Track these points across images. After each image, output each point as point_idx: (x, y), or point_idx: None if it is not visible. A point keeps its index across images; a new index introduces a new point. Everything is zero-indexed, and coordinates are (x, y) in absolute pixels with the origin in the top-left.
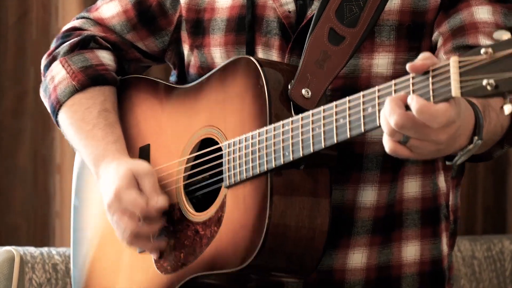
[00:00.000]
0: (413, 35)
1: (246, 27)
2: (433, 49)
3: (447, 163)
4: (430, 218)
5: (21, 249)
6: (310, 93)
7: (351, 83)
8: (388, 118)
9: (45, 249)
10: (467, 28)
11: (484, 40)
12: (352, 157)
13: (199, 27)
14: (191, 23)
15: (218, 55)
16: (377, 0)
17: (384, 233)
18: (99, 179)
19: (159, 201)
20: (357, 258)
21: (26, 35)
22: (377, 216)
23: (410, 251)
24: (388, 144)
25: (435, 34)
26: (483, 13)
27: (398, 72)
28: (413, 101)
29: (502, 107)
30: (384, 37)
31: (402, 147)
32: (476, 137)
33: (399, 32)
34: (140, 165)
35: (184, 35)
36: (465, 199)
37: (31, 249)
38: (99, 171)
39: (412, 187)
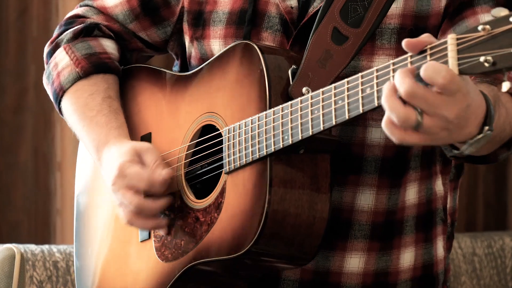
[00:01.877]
0: None
1: (246, 21)
2: None
3: (455, 152)
4: (423, 223)
5: (21, 247)
6: (310, 92)
7: None
8: (398, 87)
9: (45, 247)
10: None
11: None
12: (351, 159)
13: (200, 18)
14: (193, 15)
15: (217, 48)
16: (382, 1)
17: (383, 239)
18: (101, 164)
19: (163, 173)
20: (354, 262)
21: (26, 32)
22: (375, 221)
23: (407, 257)
24: (396, 135)
25: None
26: None
27: None
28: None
29: (500, 84)
30: (385, 40)
31: (408, 132)
32: (486, 127)
33: (400, 36)
34: (142, 143)
35: (186, 26)
36: (465, 196)
37: (32, 247)
38: (101, 156)
39: (412, 193)
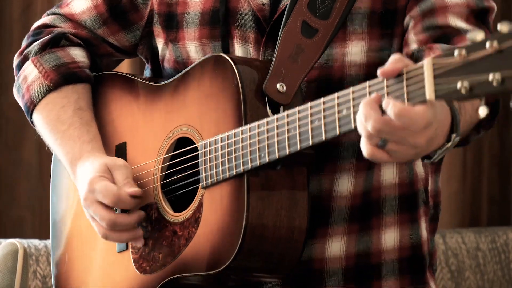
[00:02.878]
0: (386, 22)
1: (220, 20)
2: (405, 34)
3: (425, 161)
4: (407, 203)
5: (25, 242)
6: (285, 88)
7: (326, 74)
8: (364, 123)
9: (49, 242)
10: (437, 9)
11: (453, 19)
12: (327, 146)
13: (172, 20)
14: (163, 17)
15: (193, 49)
16: None
17: (361, 220)
18: (76, 179)
19: (130, 191)
20: (336, 247)
21: (30, 27)
22: (353, 204)
23: (390, 237)
24: (366, 148)
25: (407, 18)
26: None
27: (372, 59)
28: (390, 105)
29: (477, 110)
30: (356, 25)
31: (380, 151)
32: (454, 135)
33: (371, 20)
34: (116, 159)
35: (158, 29)
36: (469, 191)
37: (36, 242)
38: (76, 170)
39: (389, 173)
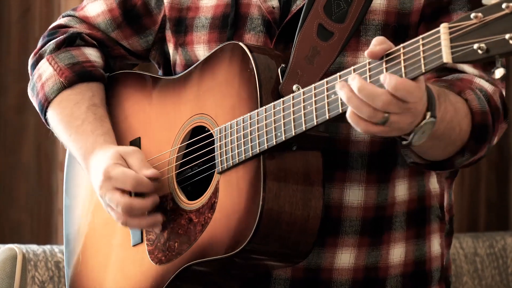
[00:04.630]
0: (398, 36)
1: (228, 24)
2: None
3: (403, 143)
4: (414, 219)
5: (23, 247)
6: (300, 89)
7: None
8: (374, 99)
9: (47, 247)
10: None
11: None
12: (336, 155)
13: (181, 25)
14: (174, 22)
15: (202, 53)
16: None
17: (373, 235)
18: (89, 172)
19: (148, 172)
20: (345, 258)
21: (29, 31)
22: (365, 217)
23: (397, 253)
24: (361, 125)
25: None
26: None
27: None
28: (387, 79)
29: (493, 71)
30: (369, 36)
31: (375, 126)
32: (429, 113)
33: (384, 32)
34: (128, 147)
35: (169, 34)
36: (468, 196)
37: (34, 247)
38: (89, 163)
39: (401, 190)
